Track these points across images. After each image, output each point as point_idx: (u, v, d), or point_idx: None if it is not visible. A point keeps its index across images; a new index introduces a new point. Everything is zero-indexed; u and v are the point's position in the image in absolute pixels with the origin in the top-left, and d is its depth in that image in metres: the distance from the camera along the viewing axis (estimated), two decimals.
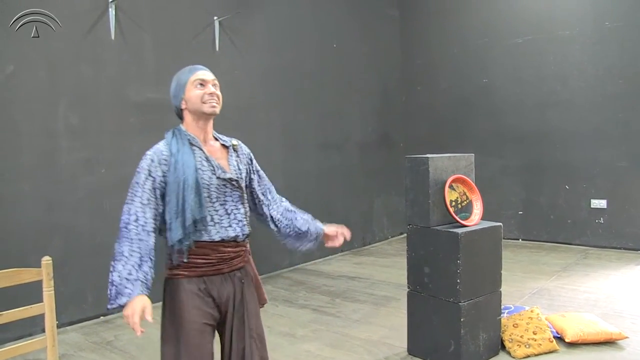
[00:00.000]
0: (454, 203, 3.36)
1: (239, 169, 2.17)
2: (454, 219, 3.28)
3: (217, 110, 2.09)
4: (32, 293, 2.57)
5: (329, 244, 2.47)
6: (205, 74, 2.11)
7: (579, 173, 6.52)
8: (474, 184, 3.47)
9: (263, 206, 2.31)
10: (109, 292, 1.95)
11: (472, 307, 3.25)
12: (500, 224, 3.47)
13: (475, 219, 3.39)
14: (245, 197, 2.19)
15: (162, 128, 2.26)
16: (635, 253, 6.09)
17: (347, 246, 6.99)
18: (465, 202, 3.43)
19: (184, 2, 5.13)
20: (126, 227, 1.96)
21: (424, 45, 7.83)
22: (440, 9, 7.61)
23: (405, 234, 7.89)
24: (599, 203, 6.39)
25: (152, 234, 1.98)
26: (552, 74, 6.62)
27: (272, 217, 2.31)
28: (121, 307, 1.91)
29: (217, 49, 5.38)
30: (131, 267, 1.94)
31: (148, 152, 2.04)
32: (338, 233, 2.46)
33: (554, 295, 4.70)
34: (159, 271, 2.07)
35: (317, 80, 6.59)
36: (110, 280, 1.95)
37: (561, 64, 6.54)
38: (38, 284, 2.32)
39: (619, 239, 6.29)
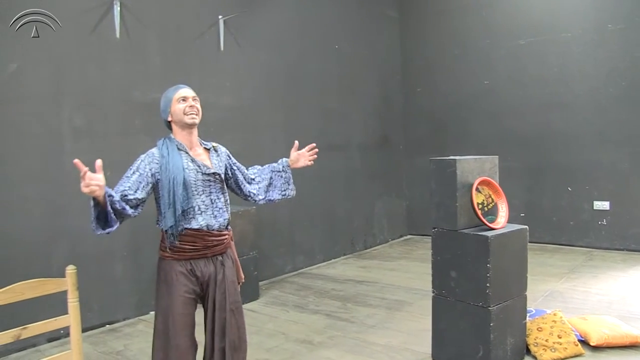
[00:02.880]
0: (480, 206, 3.29)
1: (219, 166, 2.59)
2: (482, 221, 3.22)
3: (197, 121, 2.50)
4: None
5: (301, 164, 2.85)
6: (187, 91, 2.53)
7: (581, 175, 6.53)
8: (499, 187, 3.41)
9: (244, 188, 2.75)
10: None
11: (501, 311, 3.18)
12: (526, 226, 3.42)
13: (501, 222, 3.33)
14: (225, 189, 2.61)
15: (167, 129, 2.56)
16: (639, 254, 6.10)
17: (349, 249, 6.92)
18: (490, 205, 3.37)
19: (189, 1, 5.01)
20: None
21: (423, 47, 7.79)
22: (440, 10, 7.58)
23: (405, 237, 7.92)
24: (602, 205, 6.40)
25: (125, 205, 2.30)
26: (554, 76, 6.62)
27: (252, 193, 2.76)
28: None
29: (222, 48, 5.26)
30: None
31: (141, 155, 2.45)
32: (302, 153, 2.85)
33: (567, 297, 4.67)
34: (154, 252, 2.58)
35: (319, 81, 6.50)
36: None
37: (563, 66, 6.55)
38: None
39: (622, 240, 6.30)
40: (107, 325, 4.37)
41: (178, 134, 2.51)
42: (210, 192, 2.50)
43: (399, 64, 7.97)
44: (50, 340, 3.98)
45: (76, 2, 4.16)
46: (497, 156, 3.55)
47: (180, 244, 2.42)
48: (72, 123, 4.20)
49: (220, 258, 2.53)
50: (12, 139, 3.87)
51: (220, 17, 5.21)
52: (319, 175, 6.45)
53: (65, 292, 2.25)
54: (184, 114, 2.45)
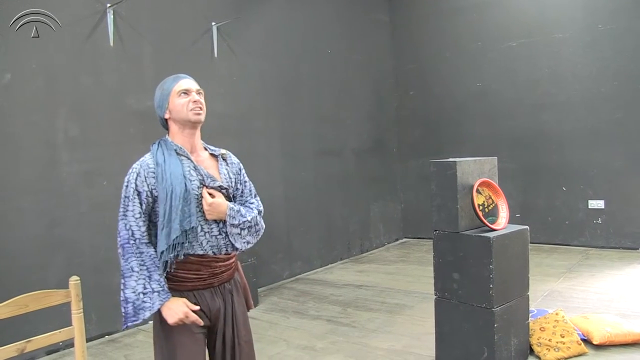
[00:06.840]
0: (481, 207, 3.29)
1: (230, 178, 2.16)
2: (484, 223, 3.21)
3: (202, 117, 2.07)
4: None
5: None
6: (189, 82, 2.11)
7: (575, 174, 6.56)
8: (498, 187, 3.41)
9: None
10: (124, 310, 1.96)
11: (504, 312, 3.18)
12: (527, 227, 3.41)
13: (502, 223, 3.33)
14: None
15: (163, 130, 2.20)
16: (635, 252, 6.14)
17: (346, 254, 6.90)
18: (491, 206, 3.37)
19: (182, 8, 4.99)
20: (128, 243, 1.98)
21: (415, 50, 7.81)
22: (431, 13, 7.61)
23: (401, 240, 7.92)
24: (597, 204, 6.43)
25: (151, 245, 1.99)
26: (546, 76, 6.66)
27: None
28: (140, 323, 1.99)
29: (216, 55, 5.24)
30: (144, 280, 1.94)
31: (135, 165, 2.03)
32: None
33: (567, 297, 4.68)
34: None
35: (313, 87, 6.50)
36: (123, 298, 1.96)
37: (555, 66, 6.59)
38: None
39: (617, 238, 6.33)
40: (107, 336, 4.32)
41: (177, 135, 2.07)
42: None
43: (391, 67, 7.99)
44: (49, 353, 3.93)
45: (69, 11, 4.12)
46: (495, 157, 3.56)
47: (181, 272, 1.99)
48: (67, 132, 4.16)
49: (228, 286, 2.12)
50: (6, 150, 3.82)
51: (213, 23, 5.20)
52: (314, 180, 6.45)
53: (62, 303, 2.21)
54: (187, 110, 2.02)
